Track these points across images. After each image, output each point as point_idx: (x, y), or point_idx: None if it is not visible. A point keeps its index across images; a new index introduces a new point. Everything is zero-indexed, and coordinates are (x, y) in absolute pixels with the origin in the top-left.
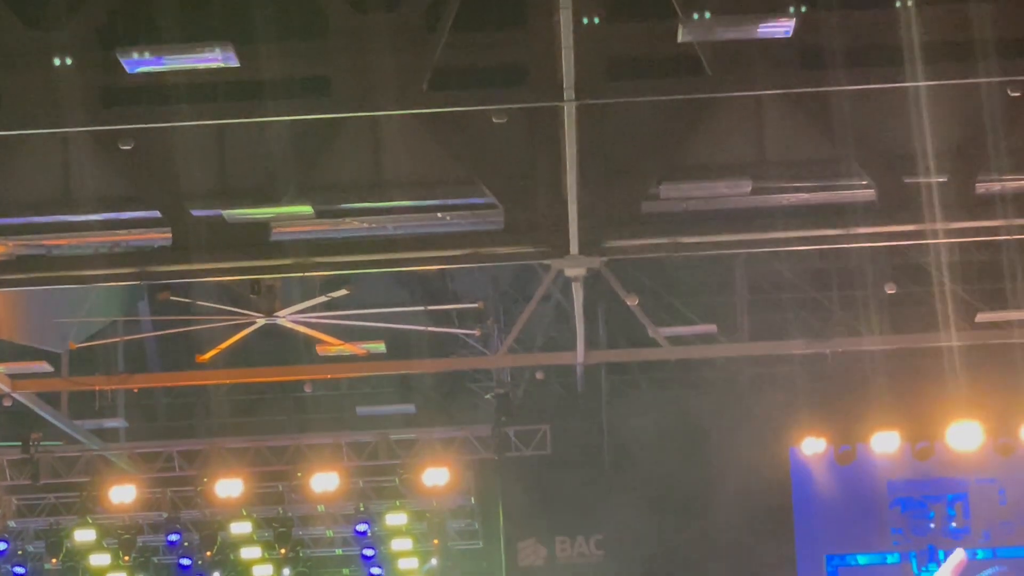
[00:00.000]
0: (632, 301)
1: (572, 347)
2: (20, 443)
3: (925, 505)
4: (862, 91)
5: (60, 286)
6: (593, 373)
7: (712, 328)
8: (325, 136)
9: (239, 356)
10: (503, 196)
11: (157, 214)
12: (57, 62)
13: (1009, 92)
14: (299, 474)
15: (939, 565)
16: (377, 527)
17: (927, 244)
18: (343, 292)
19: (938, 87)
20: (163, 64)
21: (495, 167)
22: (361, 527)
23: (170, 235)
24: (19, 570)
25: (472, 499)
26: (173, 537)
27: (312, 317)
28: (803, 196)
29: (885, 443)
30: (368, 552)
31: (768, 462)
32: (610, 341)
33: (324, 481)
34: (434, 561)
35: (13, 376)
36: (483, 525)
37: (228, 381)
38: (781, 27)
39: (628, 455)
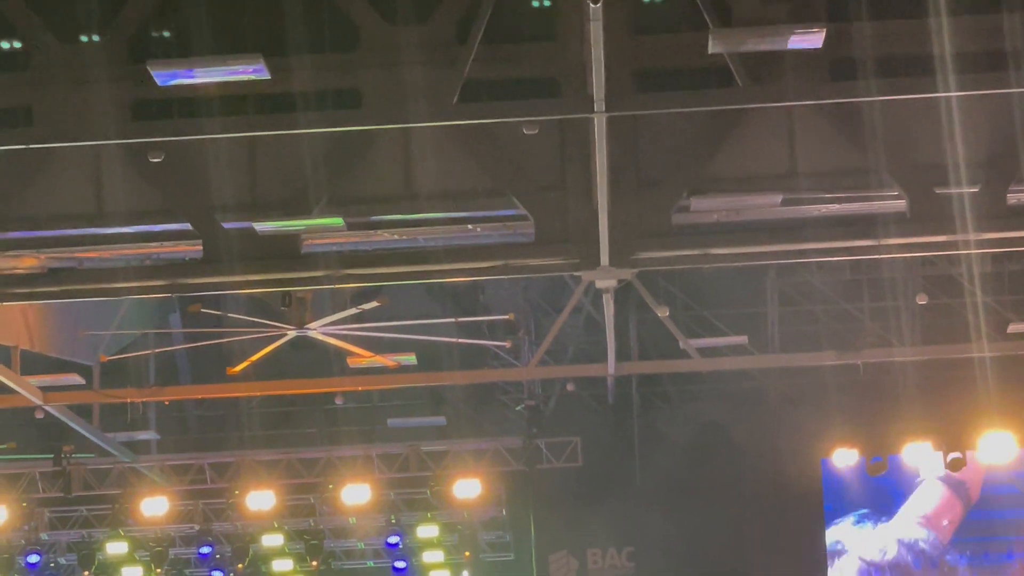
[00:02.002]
0: (663, 312)
1: (603, 359)
2: (52, 456)
3: None
4: (893, 101)
5: (91, 299)
6: (624, 385)
7: (743, 339)
8: (356, 148)
9: (270, 368)
10: (534, 208)
11: (188, 227)
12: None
13: None
14: (330, 486)
15: None
16: (408, 539)
17: (958, 255)
18: (374, 304)
19: (969, 97)
20: (194, 77)
21: (526, 179)
22: (392, 539)
23: (201, 247)
24: None
25: (503, 511)
26: (205, 549)
27: (343, 329)
28: (834, 207)
29: (917, 454)
30: (400, 564)
31: (799, 473)
32: (641, 353)
33: (355, 493)
34: (465, 573)
35: (45, 389)
36: (514, 537)
37: (259, 393)
38: (811, 38)
39: (659, 467)
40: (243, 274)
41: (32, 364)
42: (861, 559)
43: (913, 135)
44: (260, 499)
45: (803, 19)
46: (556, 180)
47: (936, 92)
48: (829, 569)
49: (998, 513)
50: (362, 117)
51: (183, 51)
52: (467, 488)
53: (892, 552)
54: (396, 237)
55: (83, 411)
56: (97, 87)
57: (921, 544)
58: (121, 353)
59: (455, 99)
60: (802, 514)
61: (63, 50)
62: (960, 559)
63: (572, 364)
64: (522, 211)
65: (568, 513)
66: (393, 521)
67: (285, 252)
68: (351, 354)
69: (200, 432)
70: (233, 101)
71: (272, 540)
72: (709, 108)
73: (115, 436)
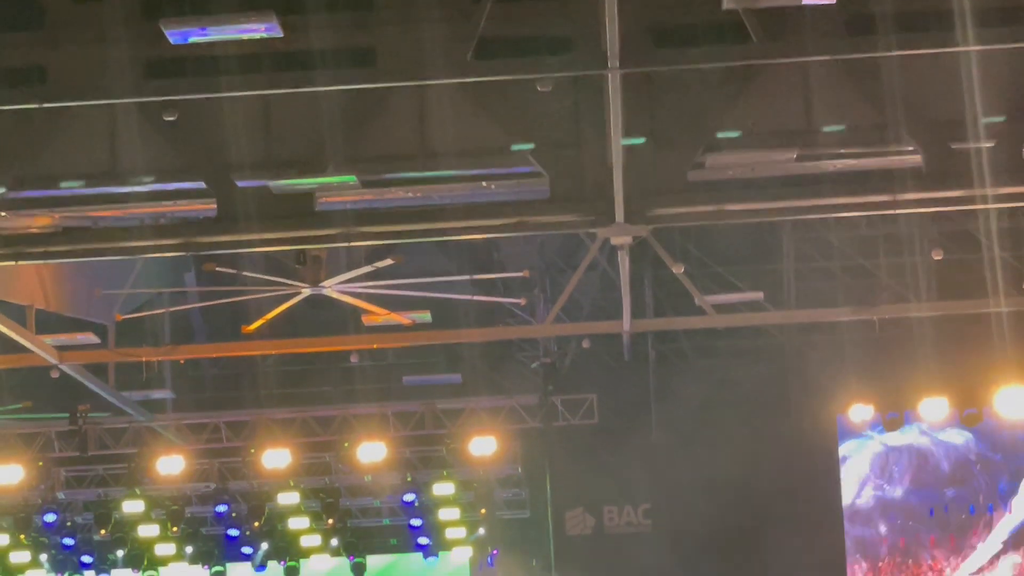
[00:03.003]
0: (678, 269)
1: (618, 316)
2: (68, 415)
3: None
4: (909, 56)
5: (106, 258)
6: (640, 342)
7: (759, 296)
8: (370, 106)
9: (285, 326)
10: (548, 165)
11: (202, 185)
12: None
13: None
14: (346, 444)
15: None
16: (424, 497)
17: (975, 210)
18: (389, 262)
19: (986, 51)
20: (207, 35)
21: (541, 136)
22: (408, 497)
23: (215, 206)
24: (68, 541)
25: (519, 468)
26: (221, 508)
27: (358, 287)
28: (850, 163)
29: (933, 409)
30: (415, 522)
31: (815, 429)
32: (657, 309)
33: (371, 451)
34: (481, 530)
35: (60, 348)
36: (530, 494)
37: (274, 352)
38: None
39: (675, 423)
40: (258, 232)
41: (47, 323)
42: (884, 444)
43: (929, 90)
44: (276, 457)
45: None
46: (571, 137)
47: (953, 47)
48: (856, 456)
49: None
50: (376, 75)
51: (196, 9)
52: (483, 446)
53: (915, 439)
54: (410, 194)
55: (98, 370)
56: (111, 46)
57: (955, 440)
58: (136, 312)
59: (469, 56)
60: (818, 470)
61: (76, 9)
62: (996, 456)
63: (588, 321)
64: (537, 168)
65: (584, 470)
66: (409, 479)
67: (300, 210)
68: (366, 312)
69: (215, 391)
70: (247, 59)
71: (288, 498)
72: (724, 64)
73: (131, 395)
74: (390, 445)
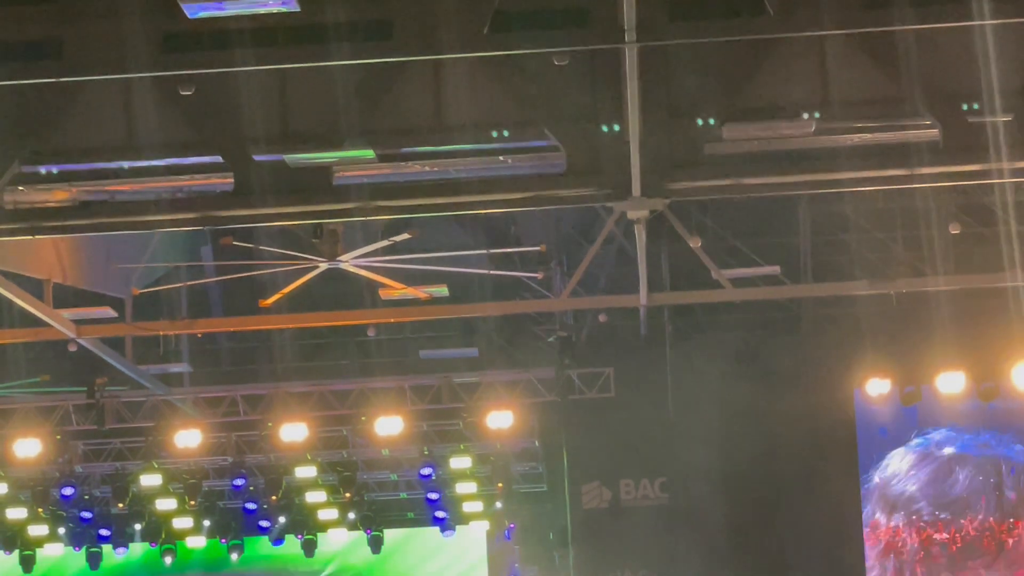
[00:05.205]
0: (695, 243)
1: (635, 289)
2: (85, 388)
3: None
4: (926, 29)
5: (123, 232)
6: (656, 315)
7: (775, 269)
8: (387, 80)
9: (302, 301)
10: (565, 139)
11: (219, 159)
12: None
13: None
14: (363, 418)
15: None
16: (441, 470)
17: (992, 184)
18: (405, 236)
19: (1003, 25)
20: (224, 9)
21: (557, 110)
22: (425, 471)
23: (232, 180)
24: (86, 515)
25: (536, 442)
26: (238, 482)
27: (375, 261)
28: (867, 136)
29: (950, 383)
30: (432, 496)
31: (832, 403)
32: (673, 283)
33: (388, 425)
34: (498, 504)
35: (78, 322)
36: (547, 468)
37: (291, 326)
38: None
39: (692, 397)
40: (275, 206)
41: (65, 297)
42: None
43: (946, 63)
44: (293, 431)
45: None
46: (587, 110)
47: (970, 20)
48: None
49: None
50: (393, 48)
51: None
52: (500, 419)
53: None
54: (427, 169)
55: (116, 344)
56: (127, 19)
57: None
58: (153, 286)
59: (486, 30)
60: (836, 444)
61: None
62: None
63: (604, 295)
64: (553, 142)
65: (601, 444)
66: (426, 452)
67: (316, 184)
68: (383, 286)
69: (233, 364)
70: (263, 33)
71: (305, 472)
72: (741, 37)
73: (148, 369)
74: (407, 419)
